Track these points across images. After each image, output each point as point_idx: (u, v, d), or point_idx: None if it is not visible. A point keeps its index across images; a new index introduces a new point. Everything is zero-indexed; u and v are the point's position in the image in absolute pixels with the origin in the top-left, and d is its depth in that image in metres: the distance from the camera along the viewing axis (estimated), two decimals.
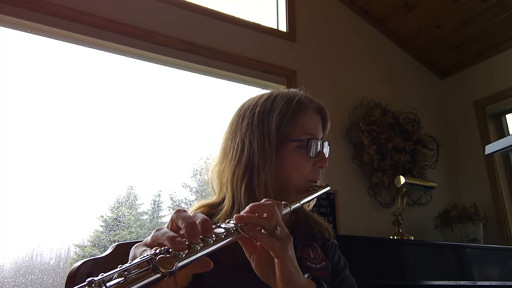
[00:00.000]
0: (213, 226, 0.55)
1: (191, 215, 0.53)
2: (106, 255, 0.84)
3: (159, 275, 0.44)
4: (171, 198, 2.25)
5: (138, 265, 0.44)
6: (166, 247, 0.47)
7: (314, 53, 2.67)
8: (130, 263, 0.45)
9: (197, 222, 0.51)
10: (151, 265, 0.44)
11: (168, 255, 0.46)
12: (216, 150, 0.92)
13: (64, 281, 0.90)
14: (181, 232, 0.50)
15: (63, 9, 1.87)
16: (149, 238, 0.53)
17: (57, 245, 1.91)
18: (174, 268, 0.45)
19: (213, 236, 0.52)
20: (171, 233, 0.50)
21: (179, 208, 0.54)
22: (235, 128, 0.87)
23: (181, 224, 0.51)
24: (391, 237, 2.16)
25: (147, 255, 0.46)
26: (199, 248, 0.49)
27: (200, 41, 2.22)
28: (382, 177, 2.56)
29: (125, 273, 0.43)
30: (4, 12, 1.75)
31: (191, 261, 0.48)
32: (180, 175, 2.27)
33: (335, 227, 2.24)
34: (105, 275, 0.42)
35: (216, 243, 0.52)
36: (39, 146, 1.87)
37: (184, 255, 0.47)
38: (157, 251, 0.46)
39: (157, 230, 0.52)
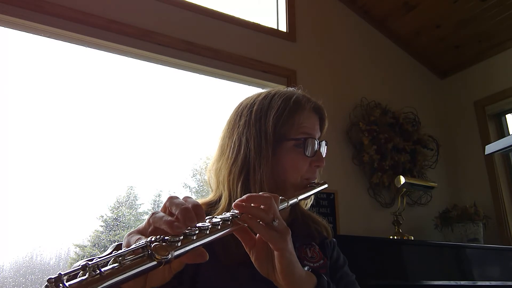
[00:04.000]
0: (209, 217, 0.54)
1: (183, 201, 0.52)
2: None
3: (154, 262, 0.43)
4: None
5: (133, 251, 0.43)
6: (161, 236, 0.46)
7: (314, 53, 2.67)
8: (125, 249, 0.44)
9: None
10: (147, 252, 0.43)
11: (163, 244, 0.44)
12: (215, 149, 0.92)
13: None
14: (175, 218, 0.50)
15: (63, 9, 1.87)
16: (143, 225, 0.52)
17: (57, 245, 1.91)
18: (170, 256, 0.44)
19: (209, 226, 0.51)
20: (169, 218, 0.49)
21: (171, 195, 0.53)
22: (233, 126, 0.88)
23: (175, 210, 0.50)
24: (391, 237, 2.16)
25: (142, 242, 0.44)
26: (194, 237, 0.48)
27: (200, 41, 2.22)
28: (382, 177, 2.55)
29: (120, 258, 0.41)
30: (4, 12, 1.75)
31: (186, 251, 0.47)
32: (180, 175, 2.27)
33: (335, 227, 2.23)
34: (99, 259, 0.40)
35: (212, 234, 0.51)
36: (39, 146, 1.87)
37: (180, 244, 0.46)
38: (152, 239, 0.45)
39: (153, 213, 0.51)
